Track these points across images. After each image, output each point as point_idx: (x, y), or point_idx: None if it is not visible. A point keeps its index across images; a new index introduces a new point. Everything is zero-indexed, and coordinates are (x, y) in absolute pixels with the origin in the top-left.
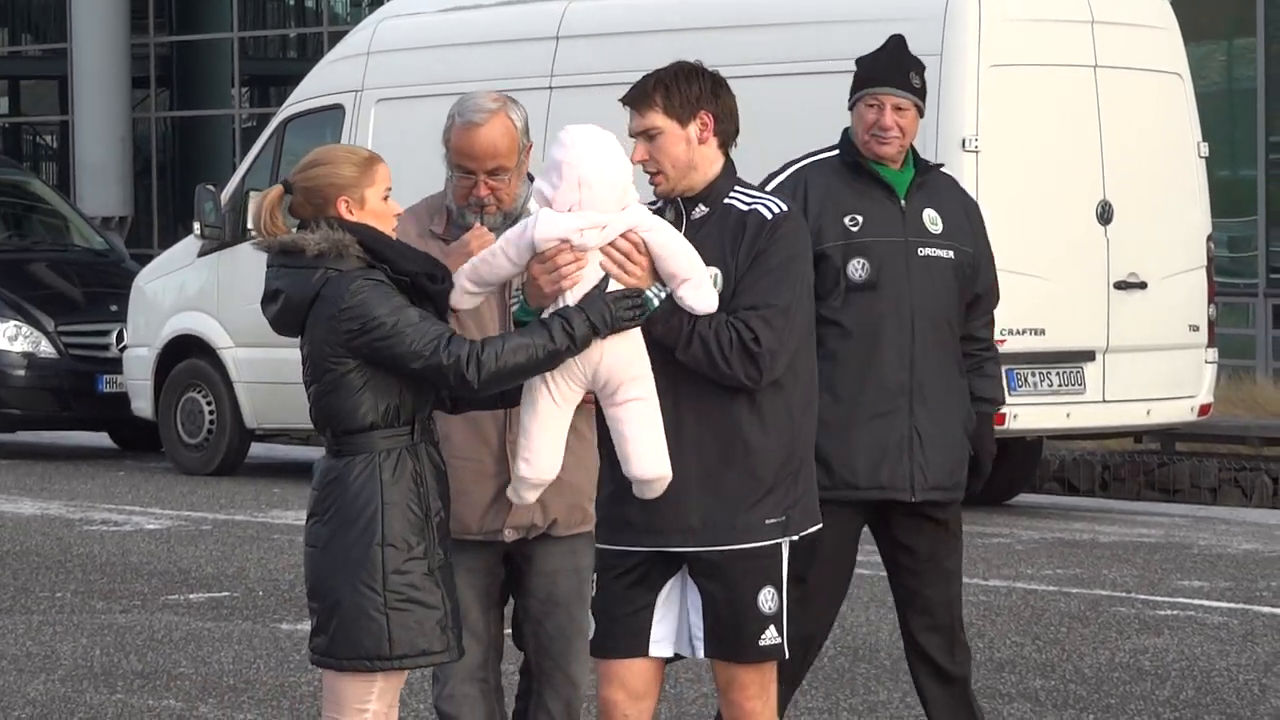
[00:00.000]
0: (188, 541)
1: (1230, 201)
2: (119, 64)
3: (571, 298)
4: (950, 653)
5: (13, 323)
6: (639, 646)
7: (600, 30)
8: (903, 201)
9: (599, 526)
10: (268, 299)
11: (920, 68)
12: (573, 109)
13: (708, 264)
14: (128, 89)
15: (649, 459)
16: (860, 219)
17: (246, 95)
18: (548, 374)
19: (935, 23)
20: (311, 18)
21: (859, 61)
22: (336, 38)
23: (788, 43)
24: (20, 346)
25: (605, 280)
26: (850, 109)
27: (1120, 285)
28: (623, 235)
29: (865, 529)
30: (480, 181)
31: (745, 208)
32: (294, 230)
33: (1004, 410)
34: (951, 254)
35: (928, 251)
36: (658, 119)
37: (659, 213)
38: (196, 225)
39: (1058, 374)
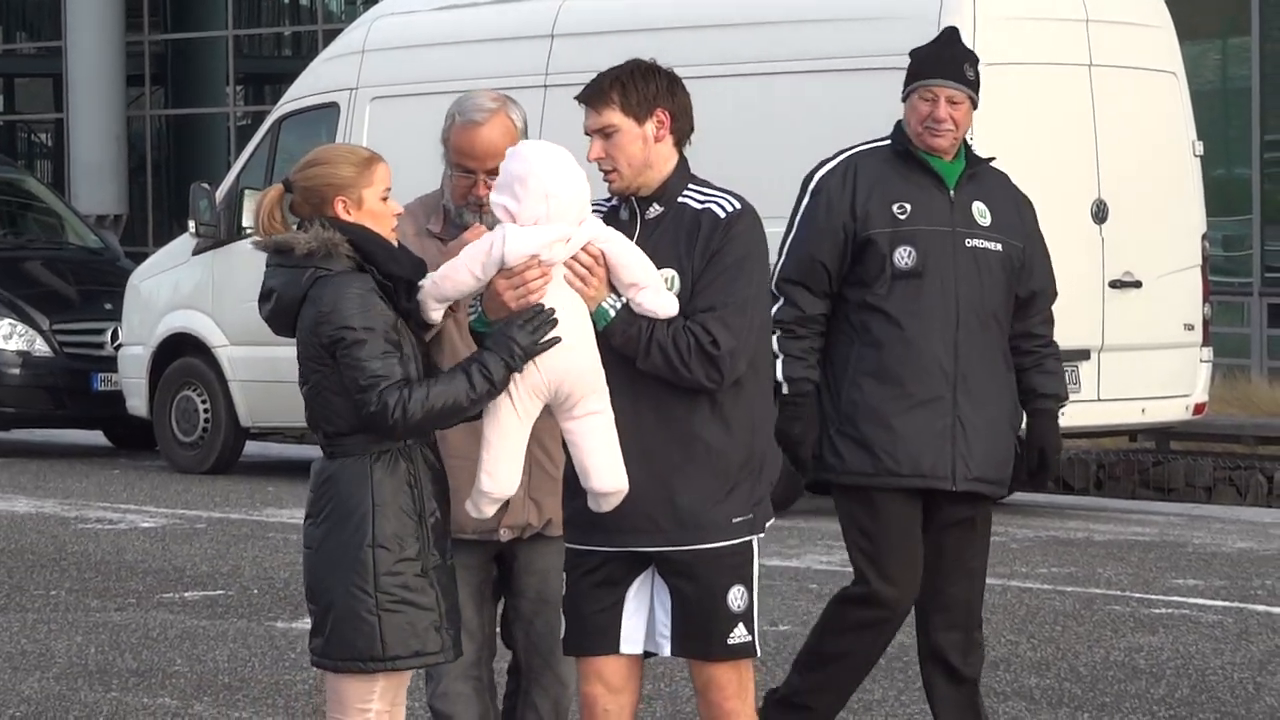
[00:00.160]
0: (183, 540)
1: (1225, 200)
2: (114, 62)
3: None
4: (965, 653)
5: (7, 321)
6: (609, 644)
7: (595, 29)
8: (952, 192)
9: (567, 526)
10: (263, 298)
11: (974, 60)
12: (567, 108)
13: (664, 265)
14: (123, 87)
15: (609, 473)
16: (908, 207)
17: (241, 93)
18: (513, 393)
19: (930, 21)
20: (306, 16)
21: (913, 53)
22: (331, 36)
23: (784, 41)
24: (15, 345)
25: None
26: (903, 100)
27: (1115, 284)
28: (583, 248)
29: None
30: (479, 181)
31: (699, 206)
32: (293, 229)
33: None
34: (999, 247)
35: (975, 243)
36: (614, 116)
37: (613, 211)
38: (191, 223)
39: None
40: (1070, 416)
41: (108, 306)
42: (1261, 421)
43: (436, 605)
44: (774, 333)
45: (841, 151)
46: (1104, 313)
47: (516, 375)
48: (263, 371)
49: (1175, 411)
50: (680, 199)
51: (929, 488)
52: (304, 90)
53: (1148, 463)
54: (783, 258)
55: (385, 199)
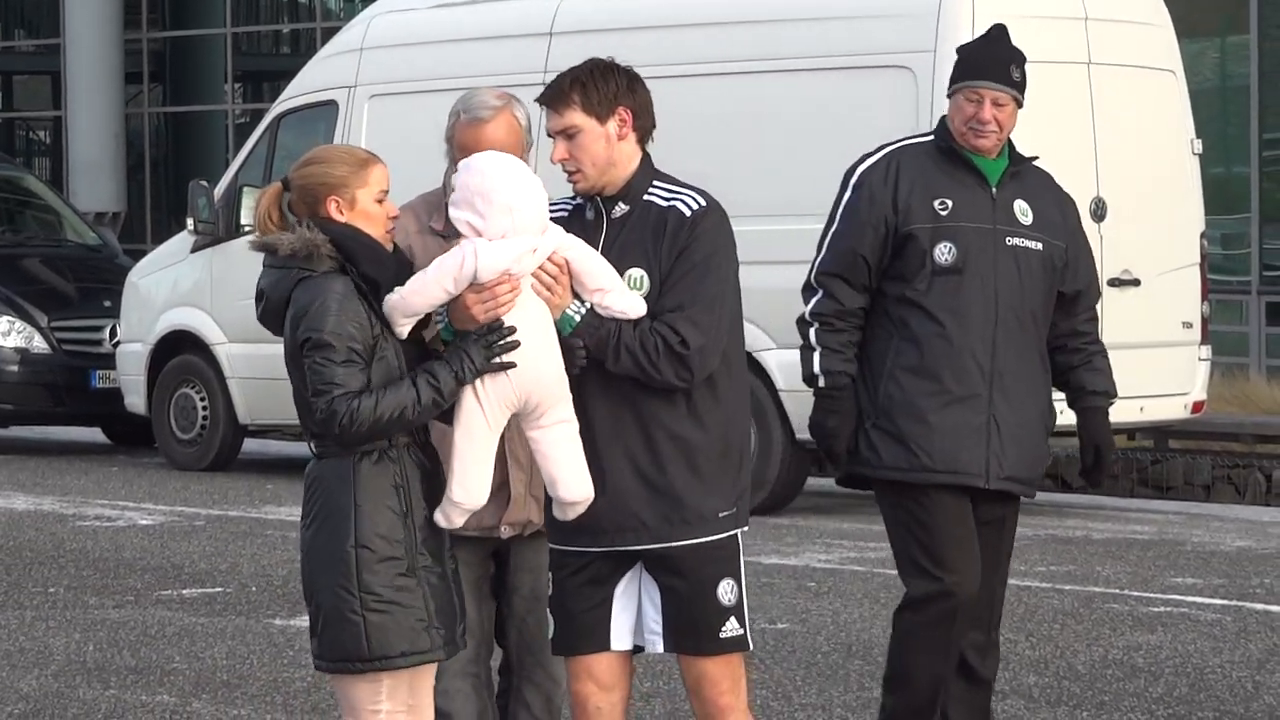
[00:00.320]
0: (181, 537)
1: (1224, 199)
2: (112, 59)
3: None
4: (984, 654)
5: (5, 318)
6: (599, 642)
7: (594, 26)
8: (994, 190)
9: (550, 528)
10: (256, 298)
11: (1021, 59)
12: None
13: (632, 264)
14: (121, 85)
15: (576, 483)
16: (950, 203)
17: (240, 91)
18: (482, 400)
19: (929, 19)
20: (304, 13)
21: (960, 50)
22: (329, 33)
23: (784, 39)
24: (13, 342)
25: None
26: (949, 96)
27: (1114, 282)
28: (548, 257)
29: None
30: None
31: (664, 204)
32: (288, 228)
33: None
34: (1040, 246)
35: (1016, 241)
36: (576, 117)
37: (579, 210)
38: (190, 221)
39: None
40: (1069, 414)
41: (106, 304)
42: (1260, 420)
43: (425, 605)
44: (812, 325)
45: (884, 146)
46: (1102, 311)
47: (489, 388)
48: (261, 369)
49: (1174, 410)
50: (646, 196)
51: (962, 484)
52: (302, 88)
53: (1146, 461)
54: (822, 251)
55: (381, 201)
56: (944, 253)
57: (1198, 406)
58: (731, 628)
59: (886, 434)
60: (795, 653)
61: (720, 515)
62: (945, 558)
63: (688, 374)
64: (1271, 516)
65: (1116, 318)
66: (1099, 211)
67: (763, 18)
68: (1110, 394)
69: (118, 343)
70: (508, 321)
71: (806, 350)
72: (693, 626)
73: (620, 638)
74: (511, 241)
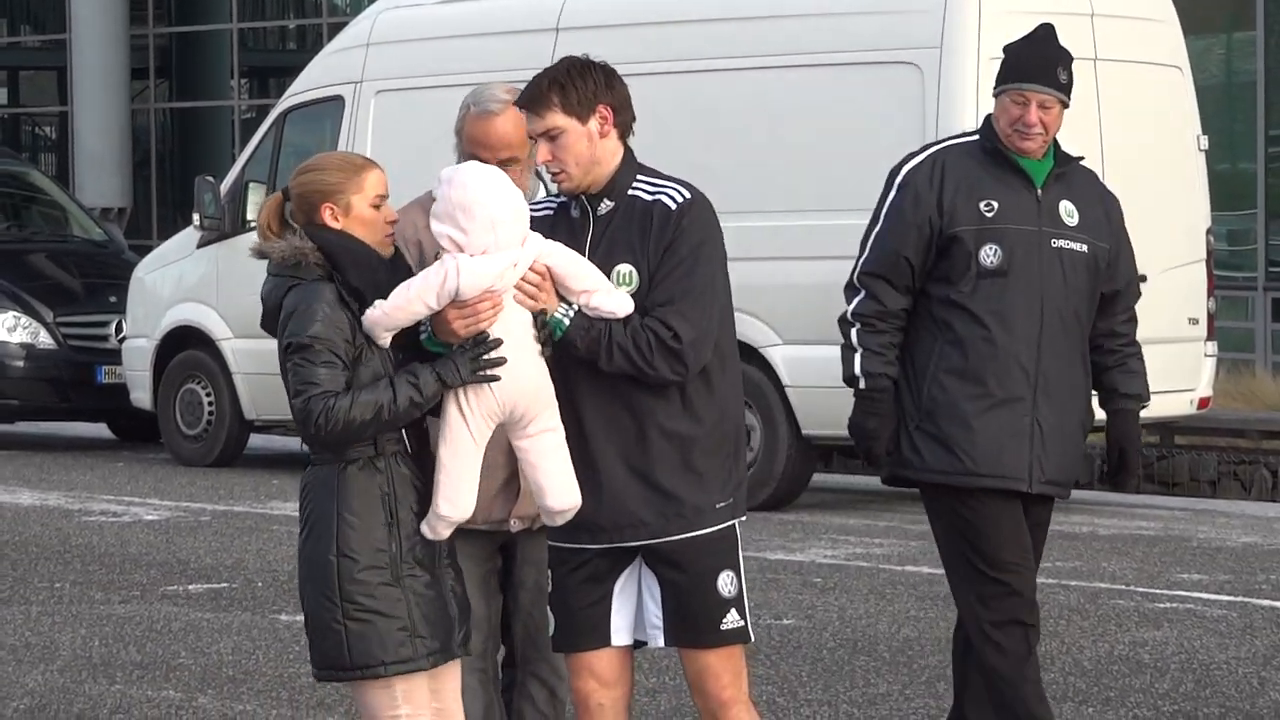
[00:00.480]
0: (187, 532)
1: (1230, 195)
2: (118, 55)
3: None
4: None
5: (11, 313)
6: (600, 638)
7: (600, 22)
8: (1039, 191)
9: (549, 526)
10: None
11: (1068, 60)
12: None
13: (619, 260)
14: (127, 80)
15: (563, 491)
16: (996, 205)
17: (246, 86)
18: (466, 413)
19: (935, 15)
20: (311, 9)
21: (1007, 49)
22: (336, 29)
23: (789, 35)
24: (19, 337)
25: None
26: (995, 96)
27: None
28: (529, 267)
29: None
30: None
31: (650, 198)
32: (288, 236)
33: None
34: (1085, 248)
35: (1061, 243)
36: (558, 118)
37: (564, 208)
38: (196, 216)
39: None
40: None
41: (112, 299)
42: (1266, 416)
43: (409, 614)
44: (854, 326)
45: (928, 146)
46: None
47: (473, 401)
48: (267, 364)
49: (1179, 406)
50: (630, 192)
51: (1005, 488)
52: (308, 83)
53: (1152, 457)
54: (866, 250)
55: (378, 206)
56: (989, 255)
57: (1204, 402)
58: (732, 619)
59: (930, 436)
60: (801, 649)
61: (717, 506)
62: (1000, 559)
63: (682, 368)
64: (1277, 512)
65: None
66: None
67: (769, 13)
68: (1143, 398)
69: (123, 338)
70: (490, 333)
71: (847, 350)
72: (693, 619)
73: (620, 634)
74: (493, 258)
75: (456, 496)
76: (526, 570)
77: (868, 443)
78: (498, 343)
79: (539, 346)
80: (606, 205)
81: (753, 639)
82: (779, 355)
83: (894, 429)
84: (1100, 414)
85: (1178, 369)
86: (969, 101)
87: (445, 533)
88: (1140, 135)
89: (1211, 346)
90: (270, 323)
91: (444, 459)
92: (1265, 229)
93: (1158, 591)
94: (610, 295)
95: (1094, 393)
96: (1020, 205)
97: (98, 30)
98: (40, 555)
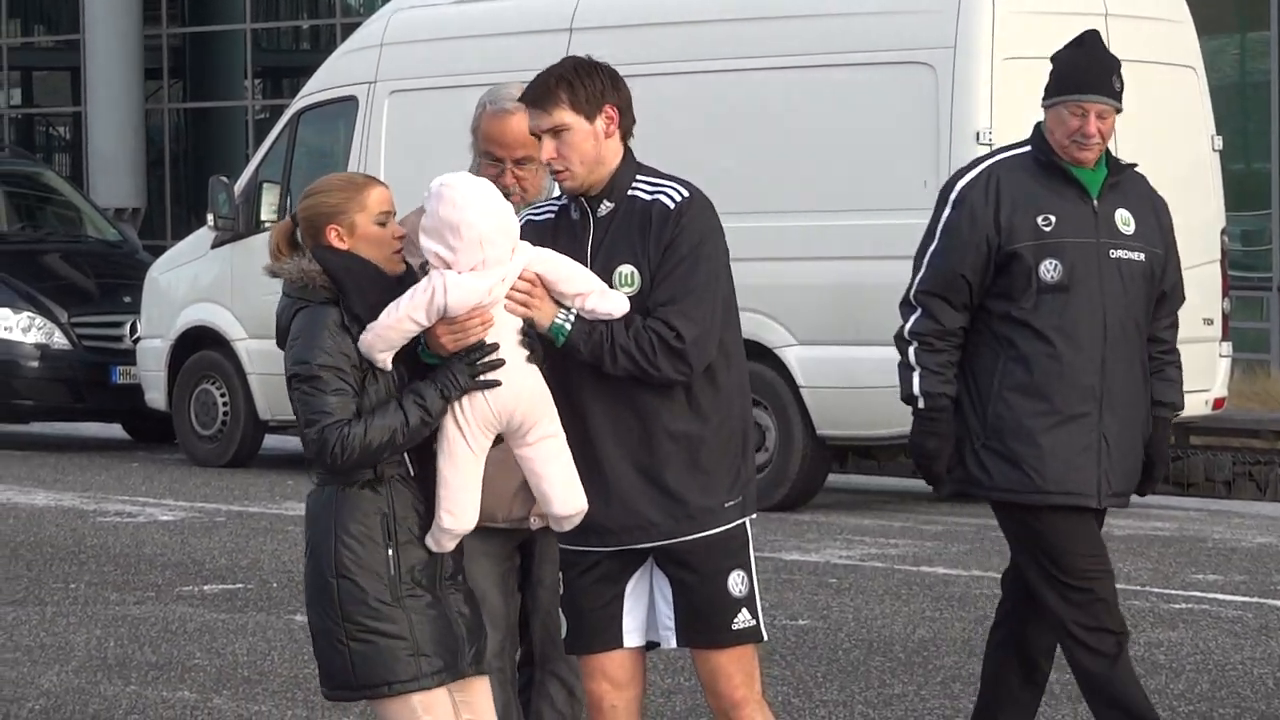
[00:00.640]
0: (202, 533)
1: (1244, 195)
2: (132, 55)
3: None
4: (1051, 659)
5: (26, 314)
6: (612, 640)
7: (614, 22)
8: (1095, 202)
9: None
10: None
11: (1119, 66)
12: None
13: (620, 261)
14: (140, 80)
15: (568, 497)
16: (1053, 219)
17: (259, 87)
18: (464, 426)
19: (949, 15)
20: (324, 9)
21: (1057, 59)
22: (349, 29)
23: (802, 35)
24: (34, 338)
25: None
26: (1046, 107)
27: None
28: (518, 275)
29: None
30: (507, 170)
31: (648, 198)
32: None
33: None
34: (1143, 256)
35: (1119, 254)
36: (565, 115)
37: (564, 210)
38: (210, 217)
39: None
40: None
41: (126, 299)
42: None
43: (410, 634)
44: (911, 344)
45: (979, 161)
46: None
47: (469, 413)
48: (281, 365)
49: (1194, 406)
50: (630, 192)
51: (1075, 505)
52: (322, 84)
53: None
54: (922, 269)
55: (384, 223)
56: (1050, 270)
57: (1219, 403)
58: (744, 619)
59: (997, 454)
60: (816, 649)
61: (726, 505)
62: (1079, 568)
63: (686, 368)
64: None
65: None
66: None
67: (783, 13)
68: (1176, 406)
69: (138, 338)
70: (485, 340)
71: (905, 369)
72: (705, 620)
73: (632, 635)
74: (481, 275)
75: (457, 509)
76: (546, 568)
77: (928, 462)
78: (494, 348)
79: (528, 353)
80: (606, 206)
81: (765, 638)
82: (793, 355)
83: (954, 448)
84: None
85: (1192, 369)
86: (983, 101)
87: (449, 545)
88: (1154, 136)
89: (1226, 347)
90: (283, 341)
91: (443, 471)
92: None
93: (1173, 592)
94: (605, 296)
95: None
96: (1078, 217)
97: (111, 30)
98: (55, 556)
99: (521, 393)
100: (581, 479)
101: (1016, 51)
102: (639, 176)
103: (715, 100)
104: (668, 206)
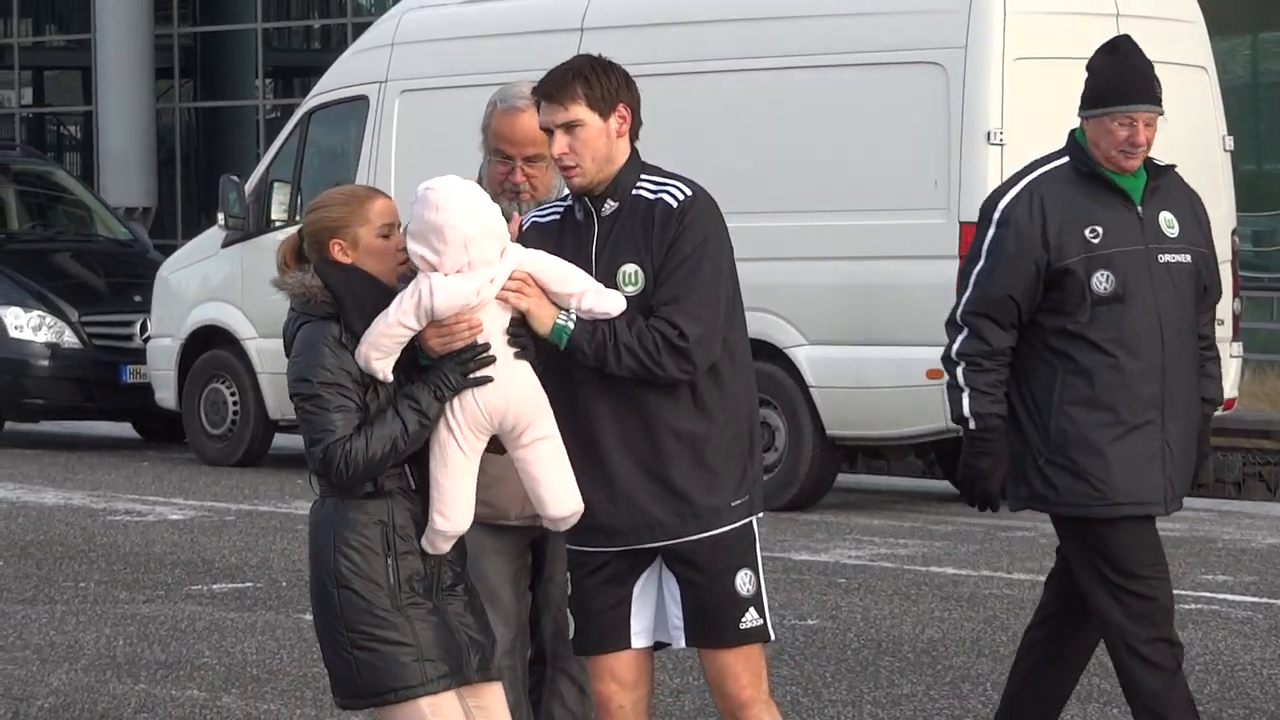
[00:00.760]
0: (211, 532)
1: (1255, 196)
2: (143, 55)
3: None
4: (1082, 667)
5: (37, 313)
6: (620, 641)
7: (624, 22)
8: (1140, 208)
9: (567, 530)
10: None
11: (1154, 68)
12: None
13: (624, 260)
14: (152, 80)
15: (563, 499)
16: (1100, 230)
17: (270, 86)
18: (455, 428)
19: (960, 15)
20: (335, 9)
21: (1096, 69)
22: (360, 29)
23: (812, 35)
24: (44, 337)
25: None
26: (1088, 118)
27: None
28: (509, 275)
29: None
30: (517, 168)
31: (652, 197)
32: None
33: None
34: (1189, 258)
35: (1167, 258)
36: (580, 111)
37: (569, 212)
38: (220, 216)
39: None
40: None
41: (137, 299)
42: None
43: (414, 640)
44: (959, 365)
45: (1018, 177)
46: None
47: (459, 414)
48: None
49: None
50: (634, 191)
51: (1145, 514)
52: (333, 83)
53: None
54: (968, 289)
55: (387, 235)
56: (1102, 281)
57: (1229, 404)
58: (751, 618)
59: (1062, 469)
60: (825, 649)
61: (733, 505)
62: (1141, 576)
63: (690, 366)
64: None
65: None
66: None
67: (794, 13)
68: (1216, 402)
69: (148, 338)
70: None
71: (954, 390)
72: (712, 619)
73: (640, 636)
74: (467, 276)
75: (450, 510)
76: (557, 565)
77: (982, 483)
78: (485, 345)
79: (517, 351)
80: (610, 206)
81: (773, 638)
82: (803, 355)
83: (1010, 465)
84: None
85: None
86: (994, 101)
87: (444, 547)
88: (1165, 136)
89: (1237, 348)
90: (290, 353)
91: (435, 474)
92: None
93: (1182, 593)
94: (601, 296)
95: None
96: (1124, 226)
97: (123, 30)
98: (65, 554)
99: (512, 393)
100: (587, 480)
101: (1027, 51)
102: (644, 176)
103: (726, 100)
104: (671, 205)
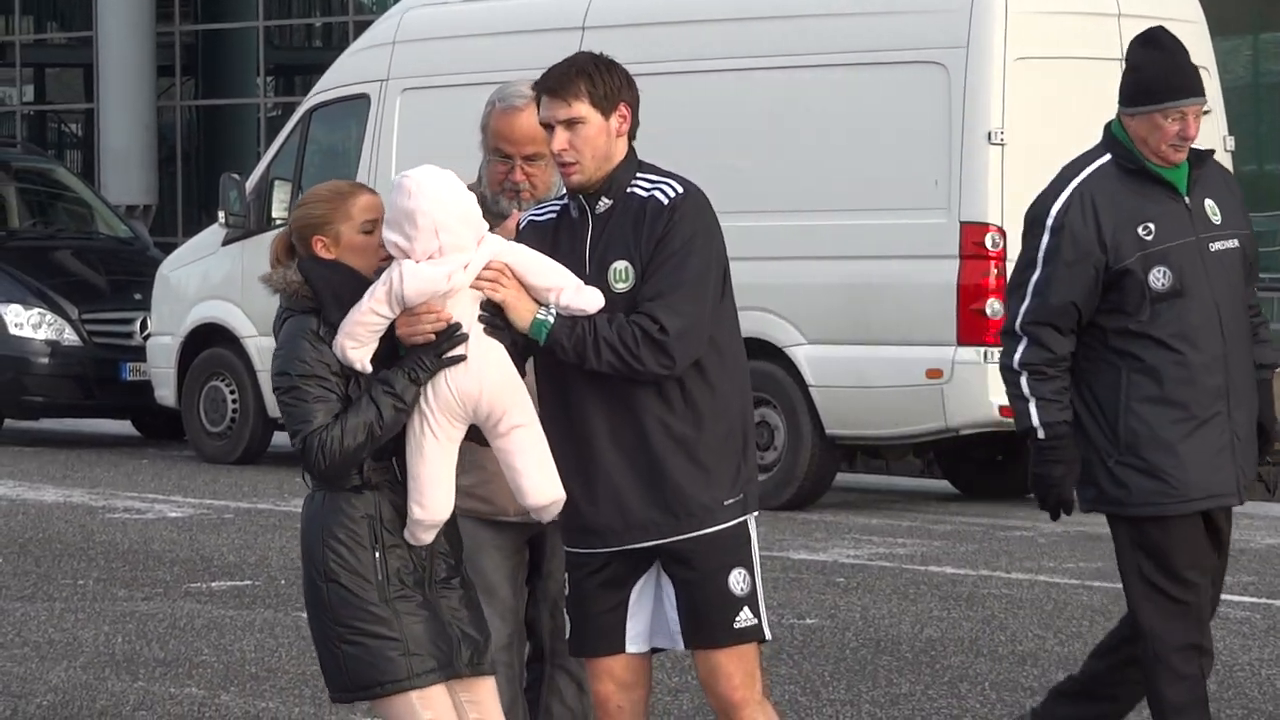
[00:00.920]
0: (210, 530)
1: (1256, 196)
2: (144, 52)
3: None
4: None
5: (37, 310)
6: (615, 644)
7: (626, 21)
8: (1187, 199)
9: (563, 531)
10: None
11: (1190, 55)
12: None
13: (616, 257)
14: (153, 77)
15: (543, 487)
16: (1153, 226)
17: (272, 84)
18: (429, 415)
19: (961, 15)
20: (337, 7)
21: (1140, 64)
22: (362, 27)
23: (814, 34)
24: (44, 334)
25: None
26: (1133, 115)
27: None
28: (485, 265)
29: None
30: (517, 166)
31: (645, 195)
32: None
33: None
34: (1236, 243)
35: (1216, 246)
36: (583, 108)
37: (565, 210)
38: (221, 214)
39: None
40: None
41: (137, 296)
42: None
43: (400, 634)
44: (1022, 374)
45: (1064, 181)
46: None
47: (433, 401)
48: None
49: None
50: (629, 189)
51: (1220, 507)
52: (334, 81)
53: None
54: (1027, 298)
55: (370, 231)
56: (1160, 278)
57: None
58: (745, 618)
59: (1133, 469)
60: (824, 648)
61: (726, 503)
62: (1185, 579)
63: (669, 361)
64: None
65: None
66: None
67: (796, 12)
68: (1275, 365)
69: (148, 335)
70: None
71: (1019, 401)
72: (708, 619)
73: (634, 642)
74: (438, 262)
75: (426, 499)
76: (555, 563)
77: (1056, 491)
78: (457, 325)
79: (492, 340)
80: (605, 203)
81: (769, 637)
82: (803, 354)
83: (1078, 472)
84: None
85: None
86: (995, 101)
87: (425, 537)
88: None
89: None
90: None
91: (411, 463)
92: None
93: None
94: (579, 292)
95: None
96: (1174, 218)
97: (124, 27)
98: (64, 552)
99: (485, 378)
100: (581, 480)
101: (1029, 51)
102: (639, 174)
103: (727, 99)
104: (662, 202)
